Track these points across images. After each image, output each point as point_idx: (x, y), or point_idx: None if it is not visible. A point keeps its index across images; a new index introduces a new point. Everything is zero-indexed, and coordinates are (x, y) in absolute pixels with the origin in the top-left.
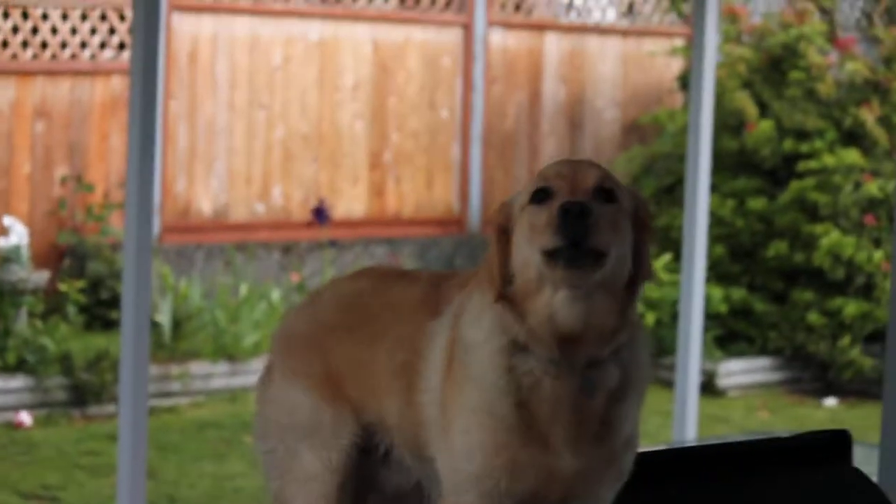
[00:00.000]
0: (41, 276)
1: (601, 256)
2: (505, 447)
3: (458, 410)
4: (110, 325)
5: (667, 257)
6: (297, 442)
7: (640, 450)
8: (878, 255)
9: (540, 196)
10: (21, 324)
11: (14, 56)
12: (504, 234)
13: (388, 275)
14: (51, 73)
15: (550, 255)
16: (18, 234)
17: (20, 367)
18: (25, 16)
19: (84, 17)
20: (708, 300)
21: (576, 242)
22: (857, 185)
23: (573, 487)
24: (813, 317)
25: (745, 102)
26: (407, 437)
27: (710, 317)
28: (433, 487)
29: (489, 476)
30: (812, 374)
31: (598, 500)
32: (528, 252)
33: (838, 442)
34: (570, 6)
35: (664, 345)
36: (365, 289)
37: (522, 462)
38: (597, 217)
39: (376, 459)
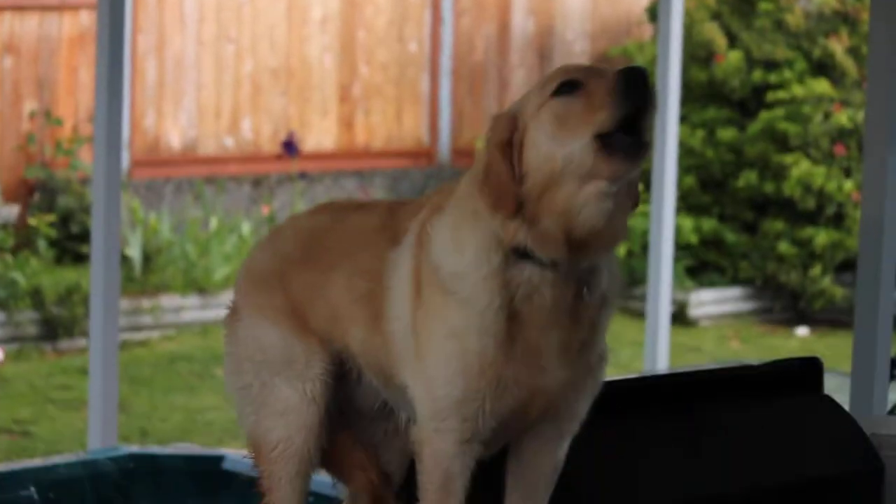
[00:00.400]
0: (11, 211)
1: (648, 146)
2: (491, 365)
3: (435, 337)
4: (81, 259)
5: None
6: (273, 376)
7: (614, 378)
8: (848, 184)
9: (567, 88)
10: None
11: None
12: (509, 146)
13: (345, 207)
14: (19, 8)
15: (605, 142)
16: None
17: None
18: None
19: None
20: (678, 230)
21: (633, 122)
22: (827, 115)
23: (555, 401)
24: (783, 246)
25: (713, 33)
26: (371, 364)
27: (681, 247)
28: (402, 409)
29: (473, 399)
30: (783, 303)
31: (576, 412)
32: (554, 147)
33: (809, 370)
34: None
35: (635, 275)
36: (323, 222)
37: (507, 379)
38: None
39: (350, 383)
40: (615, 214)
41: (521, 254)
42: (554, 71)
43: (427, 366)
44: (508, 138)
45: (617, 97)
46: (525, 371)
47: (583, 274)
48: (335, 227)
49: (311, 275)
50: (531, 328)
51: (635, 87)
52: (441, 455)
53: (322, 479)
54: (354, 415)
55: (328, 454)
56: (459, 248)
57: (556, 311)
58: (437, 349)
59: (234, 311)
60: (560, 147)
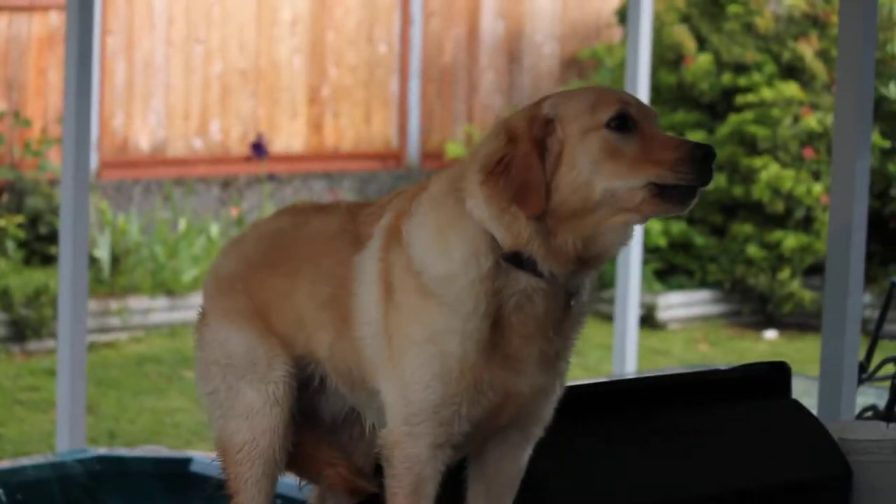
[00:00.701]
0: None
1: (697, 194)
2: (471, 369)
3: (410, 343)
4: (49, 261)
5: None
6: (238, 379)
7: (582, 382)
8: (817, 188)
9: (621, 123)
10: None
11: None
12: (543, 147)
13: (306, 210)
14: None
15: (661, 190)
16: None
17: None
18: None
19: None
20: (647, 233)
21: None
22: (796, 119)
23: (526, 405)
24: (752, 250)
25: (683, 36)
26: (339, 369)
27: (650, 250)
28: (370, 415)
29: (451, 403)
30: (752, 306)
31: (543, 418)
32: (596, 177)
33: (777, 374)
34: None
35: (604, 278)
36: (285, 225)
37: (484, 383)
38: None
39: (312, 389)
40: (630, 236)
41: (514, 261)
42: (604, 94)
43: (403, 370)
44: (544, 139)
45: (691, 170)
46: (502, 376)
47: (572, 287)
48: (296, 232)
49: (275, 280)
50: (515, 336)
51: (706, 168)
52: (413, 459)
53: (288, 482)
54: (319, 420)
55: (295, 456)
56: (446, 251)
57: (544, 322)
58: (414, 354)
59: (202, 316)
60: (603, 180)
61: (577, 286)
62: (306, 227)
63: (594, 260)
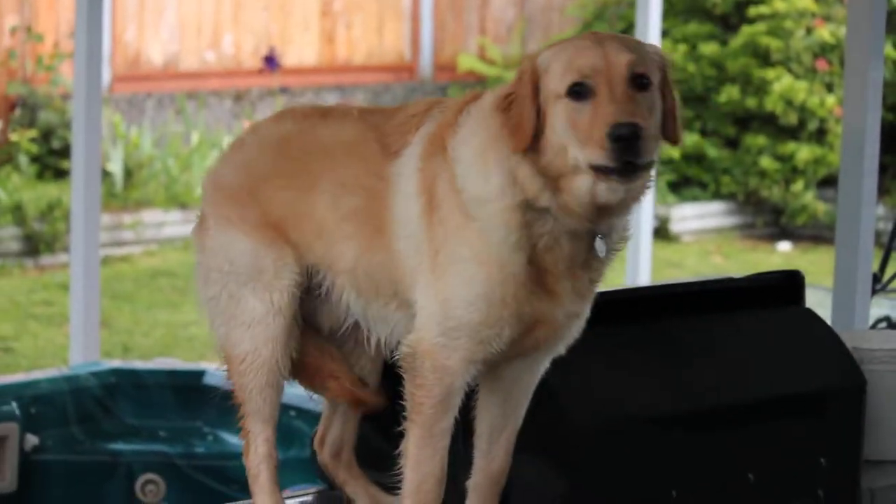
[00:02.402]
0: None
1: (650, 164)
2: (514, 299)
3: (457, 259)
4: (62, 175)
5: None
6: (240, 287)
7: (599, 290)
8: (830, 100)
9: (577, 91)
10: None
11: None
12: (536, 90)
13: (310, 114)
14: None
15: (598, 169)
16: None
17: None
18: None
19: None
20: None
21: (631, 162)
22: (809, 30)
23: (560, 329)
24: (766, 162)
25: None
26: (362, 283)
27: (663, 162)
28: (380, 329)
29: (493, 325)
30: (765, 218)
31: (570, 338)
32: (567, 142)
33: (790, 282)
34: None
35: None
36: (290, 131)
37: (526, 313)
38: (646, 132)
39: (316, 298)
40: (633, 191)
41: (541, 209)
42: (575, 54)
43: (447, 284)
44: (537, 85)
45: (607, 153)
46: (541, 307)
47: (600, 230)
48: (304, 139)
49: (290, 192)
50: (548, 274)
51: (623, 150)
52: (445, 371)
53: (300, 393)
54: (318, 328)
55: (299, 365)
56: (485, 172)
57: (572, 263)
58: (460, 270)
59: (201, 220)
60: (571, 146)
61: (604, 230)
62: (315, 135)
63: (606, 212)
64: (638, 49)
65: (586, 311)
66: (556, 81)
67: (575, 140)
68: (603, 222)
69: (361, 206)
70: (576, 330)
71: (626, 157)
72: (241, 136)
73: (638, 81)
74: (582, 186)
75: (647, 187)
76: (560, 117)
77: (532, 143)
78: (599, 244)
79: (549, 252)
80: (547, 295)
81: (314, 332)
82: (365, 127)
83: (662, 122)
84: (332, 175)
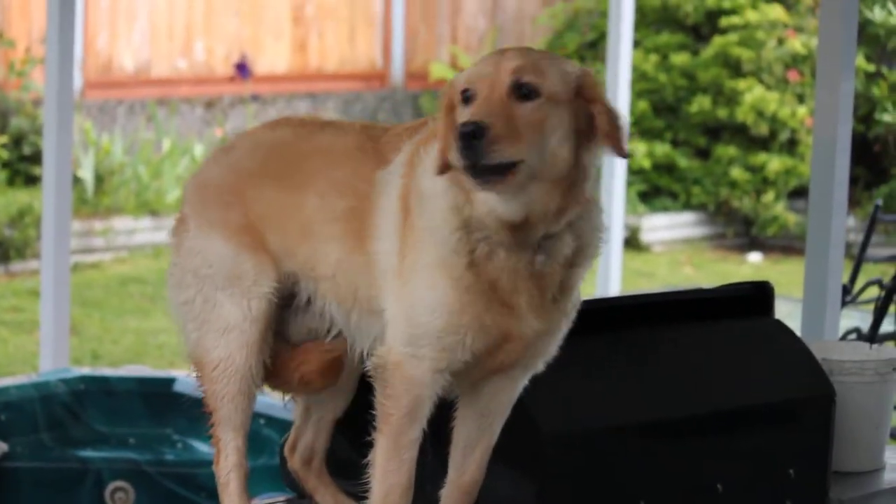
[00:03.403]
0: None
1: (511, 166)
2: (470, 305)
3: (419, 264)
4: (33, 181)
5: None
6: (217, 291)
7: None
8: (801, 110)
9: (465, 97)
10: None
11: None
12: (452, 110)
13: (308, 123)
14: None
15: (462, 168)
16: None
17: None
18: None
19: None
20: (631, 155)
21: (475, 162)
22: (781, 41)
23: (530, 346)
24: (736, 172)
25: None
26: (342, 288)
27: (634, 172)
28: (361, 340)
29: (455, 332)
30: (736, 229)
31: (546, 354)
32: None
33: (760, 293)
34: None
35: None
36: (285, 136)
37: (487, 323)
38: (494, 134)
39: (293, 308)
40: (535, 203)
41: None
42: (478, 64)
43: (411, 290)
44: (453, 104)
45: (457, 150)
46: (503, 319)
47: (540, 241)
48: (303, 144)
49: (277, 192)
50: (499, 285)
51: (467, 147)
52: (413, 381)
53: (271, 402)
54: (291, 340)
55: (270, 369)
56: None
57: (517, 275)
58: (423, 276)
59: (181, 221)
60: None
61: (544, 241)
62: (313, 140)
63: (519, 226)
64: (538, 63)
65: (559, 330)
66: (458, 93)
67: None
68: (524, 234)
69: (350, 208)
70: (550, 348)
71: (473, 156)
72: (231, 139)
73: (521, 90)
74: (481, 198)
75: (559, 198)
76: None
77: None
78: (539, 259)
79: (488, 261)
80: (505, 308)
81: (285, 338)
82: (365, 137)
83: (580, 136)
84: (326, 175)
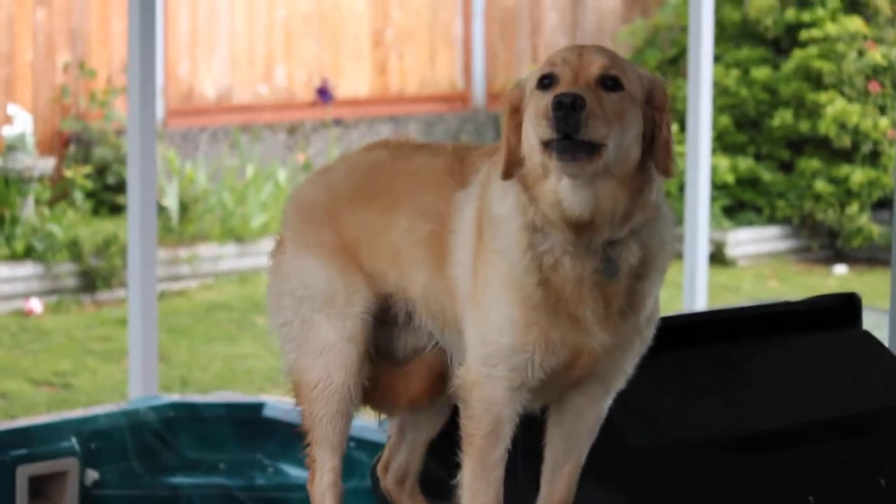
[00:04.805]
0: (47, 164)
1: (598, 147)
2: (535, 323)
3: (489, 283)
4: (117, 210)
5: (673, 128)
6: (314, 313)
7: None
8: (883, 122)
9: (545, 82)
10: (28, 211)
11: None
12: (516, 112)
13: (405, 146)
14: None
15: (546, 145)
16: (23, 122)
17: (29, 254)
18: None
19: None
20: (714, 170)
21: (568, 135)
22: (861, 53)
23: (601, 361)
24: (820, 185)
25: None
26: (432, 307)
27: (718, 187)
28: (455, 355)
29: (523, 350)
30: (821, 242)
31: (622, 371)
32: (532, 137)
33: (848, 305)
34: None
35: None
36: (382, 159)
37: (554, 339)
38: (591, 108)
39: (394, 326)
40: (601, 200)
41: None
42: (549, 57)
43: (483, 311)
44: (517, 106)
45: (549, 121)
46: (571, 335)
47: (605, 248)
48: (396, 166)
49: (369, 213)
50: (565, 297)
51: (563, 117)
52: (490, 401)
53: (364, 425)
54: (396, 356)
55: (370, 391)
56: (504, 196)
57: (581, 284)
58: (491, 295)
59: (279, 244)
60: (532, 130)
61: (609, 248)
62: (407, 163)
63: (584, 225)
64: (620, 61)
65: (631, 346)
66: (532, 82)
67: (533, 123)
68: (588, 236)
69: (433, 231)
70: (625, 364)
71: (566, 127)
72: (331, 162)
73: (606, 82)
74: (548, 189)
75: (626, 200)
76: (530, 114)
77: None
78: (606, 265)
79: (554, 272)
80: (571, 321)
81: (387, 360)
82: (454, 158)
83: (653, 150)
84: (413, 199)
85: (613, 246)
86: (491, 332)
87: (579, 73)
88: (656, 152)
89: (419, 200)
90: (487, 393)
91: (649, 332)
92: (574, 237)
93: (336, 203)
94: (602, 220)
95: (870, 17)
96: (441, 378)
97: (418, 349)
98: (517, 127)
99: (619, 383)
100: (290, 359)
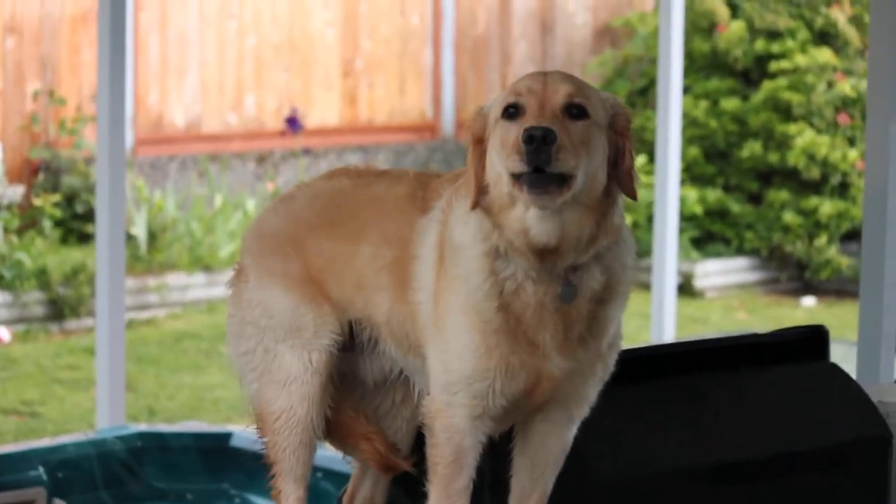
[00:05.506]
0: (15, 192)
1: (568, 179)
2: (496, 348)
3: (449, 310)
4: (86, 239)
5: (641, 159)
6: (277, 343)
7: (623, 348)
8: (852, 153)
9: (511, 111)
10: None
11: None
12: (480, 142)
13: (365, 173)
14: None
15: (517, 178)
16: None
17: None
18: None
19: None
20: (683, 201)
21: (539, 168)
22: (830, 85)
23: (562, 387)
24: (789, 216)
25: (715, 3)
26: (396, 333)
27: (686, 218)
28: (420, 381)
29: (483, 377)
30: (789, 273)
31: (584, 398)
32: (499, 168)
33: (816, 337)
34: None
35: (640, 247)
36: (343, 186)
37: (514, 365)
38: (561, 141)
39: (360, 353)
40: (568, 227)
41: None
42: (511, 85)
43: (443, 338)
44: (480, 136)
45: (520, 155)
46: (530, 359)
47: (567, 274)
48: (358, 194)
49: (334, 242)
50: (525, 322)
51: (534, 151)
52: (452, 429)
53: (331, 455)
54: (361, 385)
55: (332, 425)
56: (465, 223)
57: (542, 309)
58: (451, 322)
59: (239, 272)
60: (498, 162)
61: (571, 274)
62: (370, 190)
63: (550, 252)
64: (584, 88)
65: (592, 372)
66: (495, 111)
67: (501, 155)
68: (552, 262)
69: (396, 258)
70: (586, 391)
71: (537, 161)
72: (290, 190)
73: (572, 110)
74: (514, 217)
75: (591, 225)
76: (495, 143)
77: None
78: (564, 290)
79: (515, 297)
80: (530, 347)
81: (351, 391)
82: (416, 185)
83: (617, 174)
84: (378, 227)
85: (576, 271)
86: (451, 359)
87: (545, 103)
88: (621, 177)
89: (383, 228)
90: (449, 421)
91: (612, 359)
92: (538, 263)
93: (300, 232)
94: (568, 247)
95: (839, 48)
96: (393, 461)
97: (384, 374)
98: (482, 156)
99: (583, 411)
100: (252, 388)
